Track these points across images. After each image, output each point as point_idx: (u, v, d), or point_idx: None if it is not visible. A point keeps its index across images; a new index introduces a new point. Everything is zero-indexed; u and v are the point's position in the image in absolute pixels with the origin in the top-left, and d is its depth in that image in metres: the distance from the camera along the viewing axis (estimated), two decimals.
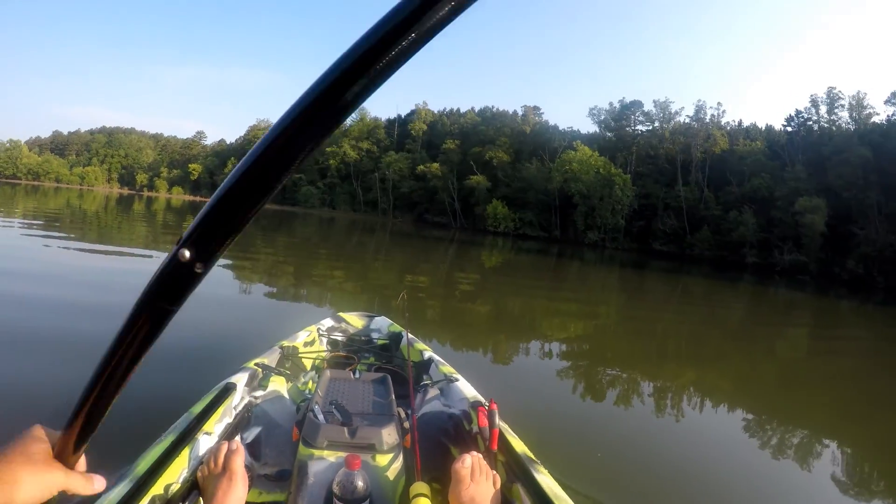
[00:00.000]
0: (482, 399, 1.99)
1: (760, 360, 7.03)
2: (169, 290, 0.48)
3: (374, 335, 3.21)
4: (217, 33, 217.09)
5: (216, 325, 5.52)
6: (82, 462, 0.61)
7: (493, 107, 70.85)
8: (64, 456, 0.58)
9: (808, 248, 37.81)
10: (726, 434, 4.17)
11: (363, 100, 0.39)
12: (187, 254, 0.45)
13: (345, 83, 0.38)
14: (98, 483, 0.61)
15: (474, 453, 1.42)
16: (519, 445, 1.65)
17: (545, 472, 1.49)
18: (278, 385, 2.14)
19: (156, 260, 9.73)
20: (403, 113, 79.22)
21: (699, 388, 5.46)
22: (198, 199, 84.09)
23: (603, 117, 58.24)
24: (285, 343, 2.64)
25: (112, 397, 0.55)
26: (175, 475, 1.36)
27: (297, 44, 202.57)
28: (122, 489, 1.23)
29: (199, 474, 1.39)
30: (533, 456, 1.59)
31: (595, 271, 21.73)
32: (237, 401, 1.89)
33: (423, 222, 61.73)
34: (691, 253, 44.53)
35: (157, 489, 1.27)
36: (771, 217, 41.06)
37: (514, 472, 1.53)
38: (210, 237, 0.45)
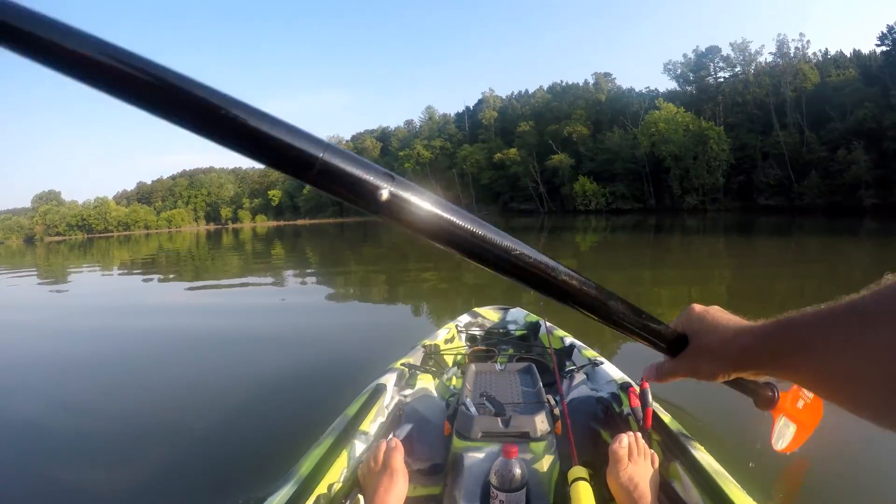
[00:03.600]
0: (629, 380, 2.00)
1: None
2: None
3: (511, 327, 3.26)
4: (280, 68, 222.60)
5: (357, 336, 5.92)
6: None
7: (562, 81, 67.76)
8: None
9: None
10: None
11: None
12: None
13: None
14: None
15: (630, 433, 1.42)
16: (673, 424, 1.65)
17: (703, 449, 1.49)
18: (425, 382, 2.20)
19: (250, 289, 10.85)
20: (471, 104, 78.20)
21: None
22: (281, 223, 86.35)
23: (680, 71, 54.79)
24: (427, 342, 2.74)
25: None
26: (337, 475, 1.43)
27: (357, 60, 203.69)
28: (288, 490, 1.30)
29: (359, 472, 1.43)
30: (689, 434, 1.59)
31: (699, 241, 19.97)
32: (388, 400, 1.97)
33: (509, 212, 60.77)
34: (801, 203, 40.53)
35: (321, 489, 1.34)
36: (884, 150, 37.04)
37: (672, 450, 1.52)
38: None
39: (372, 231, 36.03)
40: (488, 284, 9.04)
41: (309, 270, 14.38)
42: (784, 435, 1.59)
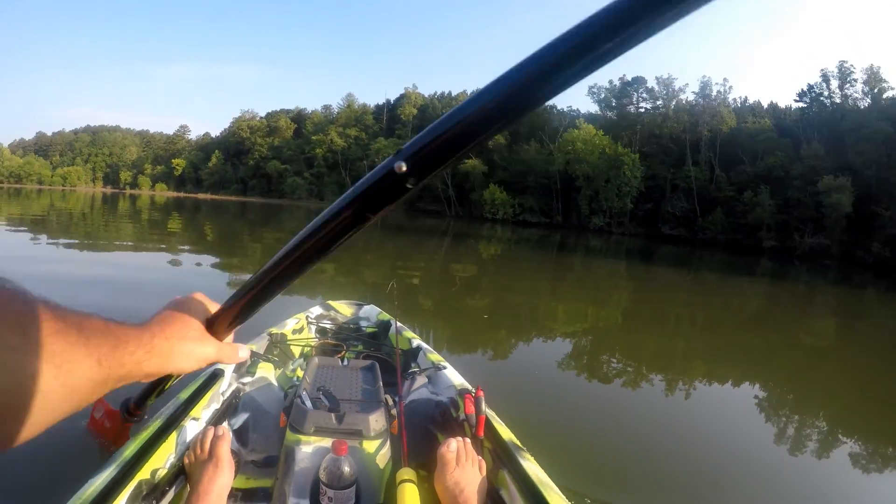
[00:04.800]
0: (469, 387, 1.96)
1: (778, 353, 6.74)
2: (375, 197, 0.47)
3: (363, 323, 3.15)
4: (207, 29, 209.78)
5: None
6: (231, 336, 0.62)
7: None
8: (217, 329, 0.58)
9: (831, 231, 35.22)
10: (731, 426, 3.91)
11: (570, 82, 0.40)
12: (404, 167, 0.44)
13: (555, 65, 0.39)
14: (242, 352, 0.62)
15: (460, 438, 1.41)
16: (505, 433, 1.63)
17: (531, 458, 1.48)
18: (266, 372, 2.12)
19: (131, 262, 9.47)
20: (392, 97, 76.08)
21: (708, 381, 5.21)
22: (182, 195, 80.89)
23: (603, 96, 55.51)
24: (274, 330, 2.60)
25: (284, 284, 0.57)
26: (162, 460, 1.36)
27: (285, 34, 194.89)
28: (109, 473, 1.22)
29: (185, 460, 1.38)
30: (519, 443, 1.58)
31: (601, 260, 20.11)
32: (225, 387, 1.86)
33: (415, 211, 58.43)
34: (703, 237, 42.00)
35: (143, 474, 1.27)
36: (788, 198, 38.42)
37: (501, 458, 1.51)
38: (428, 157, 0.44)
39: (274, 214, 35.85)
40: (352, 283, 8.74)
41: (200, 247, 12.96)
42: None
